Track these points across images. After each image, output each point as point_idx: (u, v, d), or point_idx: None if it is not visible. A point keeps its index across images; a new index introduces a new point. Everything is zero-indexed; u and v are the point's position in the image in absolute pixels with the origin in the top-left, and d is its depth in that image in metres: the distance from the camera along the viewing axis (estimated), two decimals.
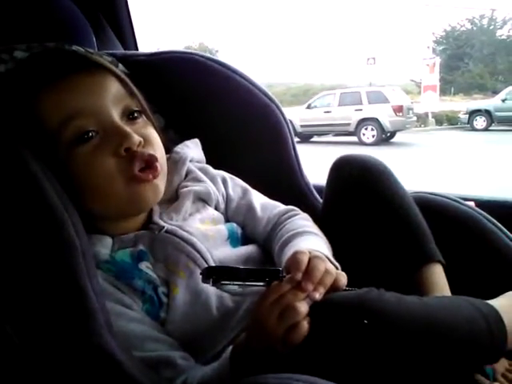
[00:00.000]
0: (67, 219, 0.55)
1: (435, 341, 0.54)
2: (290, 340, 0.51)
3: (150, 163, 0.65)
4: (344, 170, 0.81)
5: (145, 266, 0.66)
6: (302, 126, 9.71)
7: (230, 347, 0.57)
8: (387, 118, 9.12)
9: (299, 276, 0.53)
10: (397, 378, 0.53)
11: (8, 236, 0.54)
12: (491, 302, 0.61)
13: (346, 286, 0.58)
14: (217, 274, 0.55)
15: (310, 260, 0.55)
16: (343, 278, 0.57)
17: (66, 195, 0.60)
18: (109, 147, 0.63)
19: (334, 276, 0.55)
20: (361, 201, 0.77)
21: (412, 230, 0.76)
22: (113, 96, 0.66)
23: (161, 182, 0.68)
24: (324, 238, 0.73)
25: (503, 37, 20.65)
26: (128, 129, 0.64)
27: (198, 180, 0.78)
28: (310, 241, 0.69)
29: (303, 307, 0.52)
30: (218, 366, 0.57)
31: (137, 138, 0.63)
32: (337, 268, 0.62)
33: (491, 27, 20.94)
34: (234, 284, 0.55)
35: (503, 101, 10.49)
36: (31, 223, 0.55)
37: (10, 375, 0.53)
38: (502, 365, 0.64)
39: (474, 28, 21.18)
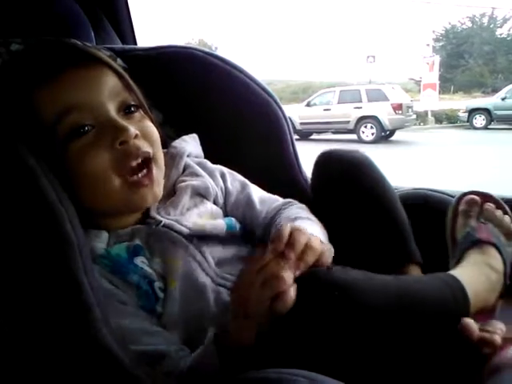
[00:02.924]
0: (64, 214, 0.54)
1: (407, 308, 0.56)
2: (276, 309, 0.51)
3: (145, 161, 0.65)
4: (329, 165, 0.82)
5: (140, 260, 0.66)
6: (301, 124, 9.72)
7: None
8: (386, 116, 9.12)
9: (281, 246, 0.53)
10: (377, 358, 0.54)
11: (4, 231, 0.53)
12: (452, 272, 0.66)
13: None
14: None
15: (291, 233, 0.55)
16: (328, 253, 0.57)
17: (63, 190, 0.60)
18: (104, 141, 0.62)
19: (317, 251, 0.55)
20: (345, 196, 0.78)
21: (396, 228, 0.77)
22: (109, 90, 0.65)
23: (158, 185, 0.67)
24: (319, 223, 0.74)
25: (503, 35, 20.65)
26: (124, 122, 0.63)
27: (195, 174, 0.78)
28: (304, 224, 0.69)
29: (288, 276, 0.52)
30: (204, 347, 0.57)
31: (133, 131, 0.63)
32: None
33: (491, 26, 20.93)
34: None
35: (503, 99, 10.48)
36: (27, 218, 0.54)
37: (5, 371, 0.53)
38: None
39: (475, 26, 21.17)
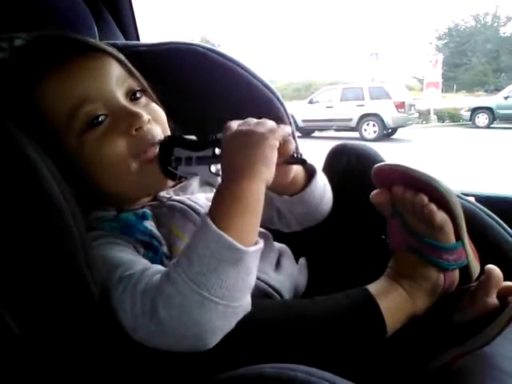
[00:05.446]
0: (66, 208, 0.55)
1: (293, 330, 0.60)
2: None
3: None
4: (342, 157, 0.83)
5: (149, 224, 0.66)
6: (303, 121, 9.72)
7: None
8: (389, 114, 9.11)
9: None
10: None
11: (8, 225, 0.53)
12: (371, 285, 0.66)
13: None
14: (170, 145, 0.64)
15: None
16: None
17: (73, 182, 0.61)
18: (119, 128, 0.63)
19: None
20: (357, 188, 0.78)
21: None
22: (116, 78, 0.66)
23: None
24: None
25: (507, 34, 20.60)
26: (136, 108, 0.65)
27: None
28: None
29: None
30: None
31: (146, 117, 0.64)
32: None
33: (495, 24, 20.87)
34: (187, 157, 0.63)
35: (506, 98, 10.47)
36: (30, 213, 0.54)
37: (8, 365, 0.53)
38: None
39: (478, 25, 21.10)
